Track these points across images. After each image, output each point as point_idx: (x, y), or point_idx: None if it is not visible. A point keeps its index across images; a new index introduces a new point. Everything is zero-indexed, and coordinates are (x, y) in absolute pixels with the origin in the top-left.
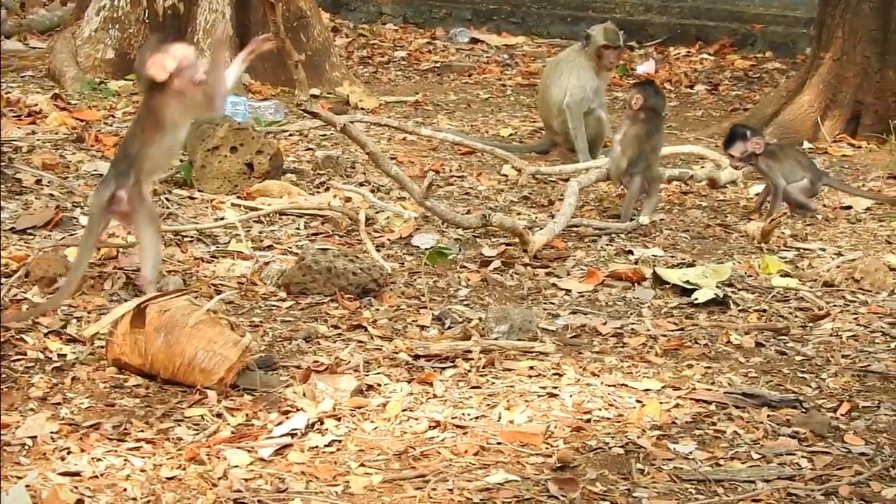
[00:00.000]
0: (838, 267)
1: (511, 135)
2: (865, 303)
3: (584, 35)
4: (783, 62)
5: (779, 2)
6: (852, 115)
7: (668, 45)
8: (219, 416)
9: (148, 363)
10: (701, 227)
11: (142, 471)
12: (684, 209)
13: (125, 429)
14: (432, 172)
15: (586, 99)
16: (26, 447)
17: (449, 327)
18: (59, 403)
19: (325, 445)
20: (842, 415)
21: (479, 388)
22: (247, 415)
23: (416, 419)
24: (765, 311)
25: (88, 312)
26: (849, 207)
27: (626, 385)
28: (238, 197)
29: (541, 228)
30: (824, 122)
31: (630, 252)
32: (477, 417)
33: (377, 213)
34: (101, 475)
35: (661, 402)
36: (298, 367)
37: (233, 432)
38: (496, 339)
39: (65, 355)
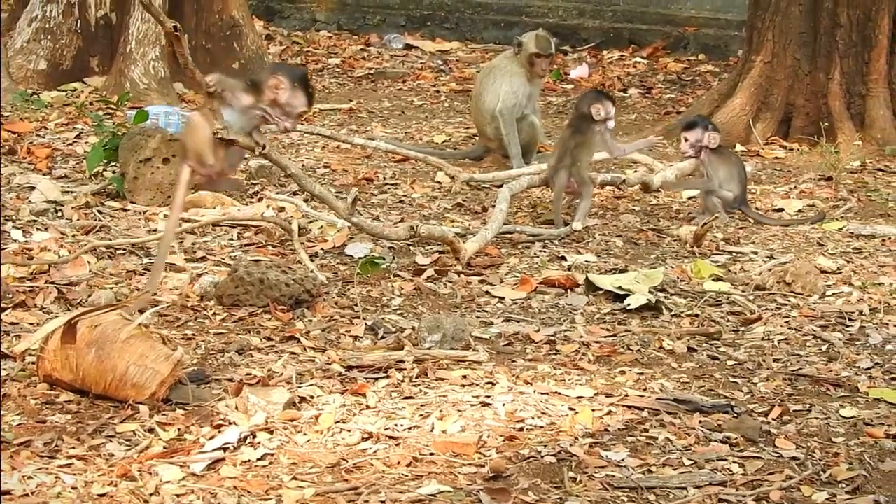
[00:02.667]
0: (770, 270)
1: (445, 141)
2: (797, 306)
3: (517, 42)
4: (716, 65)
5: (710, 5)
6: (784, 118)
7: (602, 48)
8: (151, 431)
9: (79, 379)
10: (634, 231)
11: (73, 488)
12: (617, 214)
13: (56, 446)
14: (355, 189)
15: (519, 105)
16: None
17: (382, 337)
18: None
19: (258, 459)
20: (773, 419)
21: (412, 398)
22: (179, 429)
23: (349, 431)
24: (697, 315)
25: (19, 328)
26: (780, 210)
27: (559, 393)
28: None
29: (474, 236)
30: (756, 124)
31: (563, 258)
32: (410, 428)
33: (310, 222)
34: (33, 493)
35: (593, 410)
36: (231, 381)
37: (165, 447)
38: (429, 348)
39: None
